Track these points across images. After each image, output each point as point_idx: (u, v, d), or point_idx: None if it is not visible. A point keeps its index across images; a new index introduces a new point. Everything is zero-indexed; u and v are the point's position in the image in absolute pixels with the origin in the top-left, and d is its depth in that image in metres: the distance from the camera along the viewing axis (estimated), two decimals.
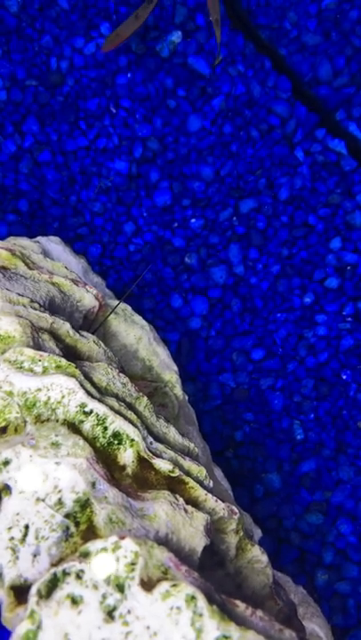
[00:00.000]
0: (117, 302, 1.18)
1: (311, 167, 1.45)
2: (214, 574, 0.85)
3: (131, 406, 0.92)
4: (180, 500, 0.82)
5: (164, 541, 0.75)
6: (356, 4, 1.45)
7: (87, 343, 0.98)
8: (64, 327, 0.96)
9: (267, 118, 1.46)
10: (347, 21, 1.45)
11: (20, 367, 0.85)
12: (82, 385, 0.85)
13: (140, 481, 0.84)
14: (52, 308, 1.01)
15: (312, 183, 1.45)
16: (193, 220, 1.45)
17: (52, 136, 1.45)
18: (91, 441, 0.83)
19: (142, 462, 0.85)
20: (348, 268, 1.44)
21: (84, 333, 1.00)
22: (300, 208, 1.45)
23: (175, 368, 1.18)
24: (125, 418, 0.86)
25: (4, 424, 0.83)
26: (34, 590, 0.68)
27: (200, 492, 0.86)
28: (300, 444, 1.39)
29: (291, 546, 1.36)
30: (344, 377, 1.40)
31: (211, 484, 0.91)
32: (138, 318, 1.21)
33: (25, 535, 0.75)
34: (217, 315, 1.43)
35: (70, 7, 1.45)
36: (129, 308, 1.21)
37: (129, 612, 0.66)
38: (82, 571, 0.68)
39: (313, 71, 1.46)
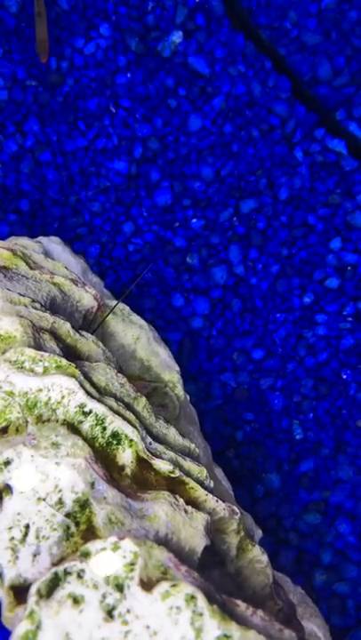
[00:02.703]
0: (116, 302, 1.18)
1: (310, 167, 1.45)
2: (215, 574, 0.85)
3: (129, 406, 0.92)
4: (181, 500, 0.82)
5: (163, 542, 0.75)
6: (356, 4, 1.46)
7: (87, 343, 0.98)
8: (64, 327, 0.96)
9: (267, 118, 1.46)
10: (346, 21, 1.45)
11: (21, 367, 0.85)
12: (81, 385, 0.85)
13: (140, 481, 0.85)
14: (52, 307, 1.02)
15: (311, 183, 1.45)
16: (194, 220, 1.45)
17: (52, 136, 1.45)
18: (90, 441, 0.83)
19: (141, 463, 0.85)
20: (349, 268, 1.44)
21: (84, 333, 1.01)
22: (299, 208, 1.45)
23: (177, 368, 1.18)
24: (124, 418, 0.86)
25: (4, 424, 0.83)
26: (33, 590, 0.69)
27: (200, 493, 0.87)
28: (298, 444, 1.39)
29: (289, 546, 1.36)
30: (344, 376, 1.41)
31: (211, 485, 0.91)
32: (136, 318, 1.21)
33: (25, 535, 0.75)
34: (218, 314, 1.43)
35: (70, 7, 1.45)
36: (127, 308, 1.21)
37: (128, 611, 0.66)
38: (83, 570, 0.69)
39: (312, 71, 1.46)
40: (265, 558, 0.94)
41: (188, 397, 1.22)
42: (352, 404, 1.40)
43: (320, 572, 1.34)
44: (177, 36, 1.45)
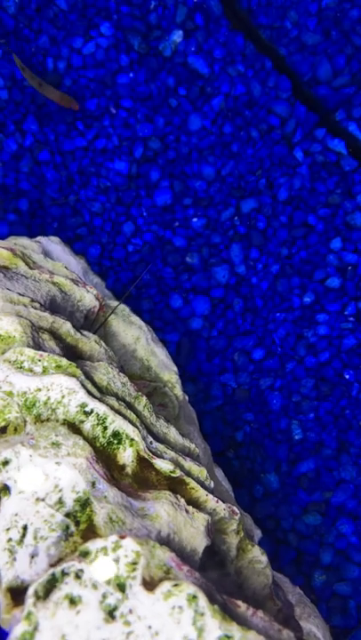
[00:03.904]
0: (117, 302, 1.18)
1: (310, 167, 1.45)
2: (215, 574, 0.85)
3: (130, 406, 0.92)
4: (182, 500, 0.81)
5: (165, 541, 0.75)
6: (357, 2, 1.46)
7: (88, 342, 0.98)
8: (65, 327, 0.96)
9: (267, 118, 1.46)
10: (347, 20, 1.45)
11: (20, 367, 0.85)
12: (83, 385, 0.85)
13: (141, 481, 0.84)
14: (52, 307, 1.01)
15: (311, 183, 1.45)
16: (195, 220, 1.45)
17: (50, 136, 1.44)
18: (91, 441, 0.83)
19: (142, 462, 0.85)
20: (350, 268, 1.44)
21: (86, 333, 1.00)
22: (299, 208, 1.45)
23: (175, 368, 1.18)
24: (125, 417, 0.86)
25: (3, 424, 0.83)
26: (31, 591, 0.68)
27: (201, 493, 0.86)
28: (298, 444, 1.39)
29: (288, 547, 1.35)
30: (347, 376, 1.40)
31: (212, 485, 0.91)
32: (135, 319, 1.21)
33: (23, 536, 0.74)
34: (219, 315, 1.43)
35: (69, 7, 1.45)
36: (127, 308, 1.21)
37: (130, 611, 0.65)
38: (81, 570, 0.68)
39: (312, 71, 1.46)
40: (265, 559, 0.93)
41: (187, 398, 1.22)
42: (355, 405, 1.39)
43: (319, 573, 1.33)
44: (177, 36, 1.45)
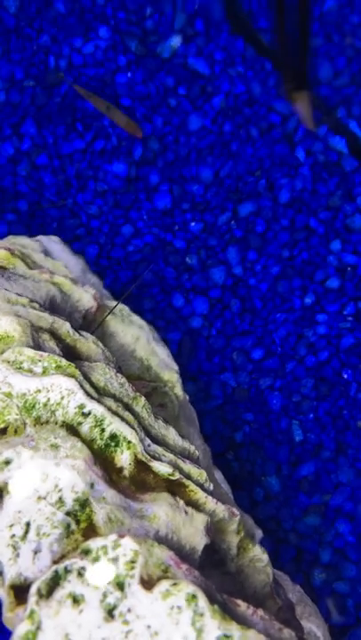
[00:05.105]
0: (116, 302, 1.18)
1: (312, 168, 1.45)
2: (216, 573, 0.85)
3: (128, 407, 0.92)
4: (180, 501, 0.82)
5: (164, 540, 0.75)
6: (357, 8, 1.46)
7: (86, 343, 0.98)
8: (64, 327, 0.96)
9: (267, 116, 1.46)
10: (348, 24, 1.46)
11: (20, 368, 0.85)
12: (81, 385, 0.85)
13: (138, 483, 0.84)
14: (52, 307, 1.01)
15: (313, 185, 1.45)
16: (193, 224, 1.45)
17: (49, 139, 1.44)
18: (88, 443, 0.83)
19: (140, 465, 0.85)
20: (349, 269, 1.44)
21: (84, 333, 1.00)
22: (300, 212, 1.45)
23: (176, 367, 1.18)
24: (122, 419, 0.86)
25: (3, 425, 0.83)
26: (34, 589, 0.68)
27: (200, 495, 0.86)
28: (298, 446, 1.39)
29: (289, 545, 1.36)
30: (345, 376, 1.40)
31: (211, 487, 0.91)
32: (136, 318, 1.20)
33: (26, 532, 0.75)
34: (217, 314, 1.43)
35: (67, 11, 1.45)
36: (126, 308, 1.21)
37: (129, 610, 0.66)
38: (83, 568, 0.68)
39: (314, 71, 1.46)
40: (265, 557, 0.94)
41: (187, 398, 1.22)
42: (353, 405, 1.40)
43: (319, 571, 1.34)
44: (175, 41, 1.45)
